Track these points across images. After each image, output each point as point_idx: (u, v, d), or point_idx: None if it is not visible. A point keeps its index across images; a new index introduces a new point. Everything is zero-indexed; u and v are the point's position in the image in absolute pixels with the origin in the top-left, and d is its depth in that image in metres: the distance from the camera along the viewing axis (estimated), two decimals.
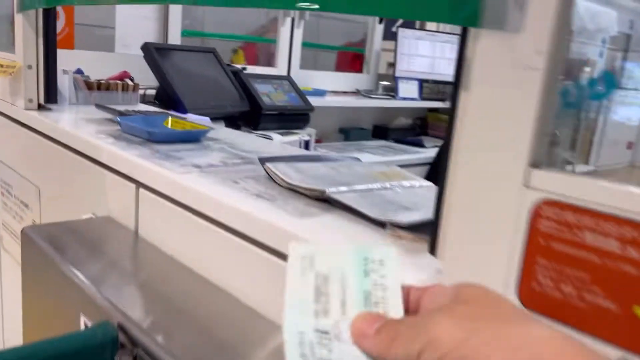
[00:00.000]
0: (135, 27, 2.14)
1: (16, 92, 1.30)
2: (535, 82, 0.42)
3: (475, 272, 0.48)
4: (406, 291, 0.36)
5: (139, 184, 0.88)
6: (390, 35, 3.27)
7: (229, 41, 3.39)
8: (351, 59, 3.62)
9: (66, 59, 1.81)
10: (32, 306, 0.89)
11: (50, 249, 0.80)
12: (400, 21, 3.32)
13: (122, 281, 0.74)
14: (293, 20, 2.63)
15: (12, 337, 1.47)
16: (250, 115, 1.98)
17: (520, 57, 0.42)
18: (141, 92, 1.79)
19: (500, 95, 0.45)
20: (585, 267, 0.39)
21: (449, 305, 0.32)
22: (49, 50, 1.25)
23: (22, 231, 0.88)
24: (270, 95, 2.05)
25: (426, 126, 3.16)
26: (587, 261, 0.39)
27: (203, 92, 1.81)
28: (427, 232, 0.54)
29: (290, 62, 2.67)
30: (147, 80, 1.82)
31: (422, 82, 2.99)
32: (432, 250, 0.52)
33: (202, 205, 0.74)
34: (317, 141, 2.53)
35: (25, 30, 1.23)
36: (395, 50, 2.92)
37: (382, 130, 2.95)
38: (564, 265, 0.41)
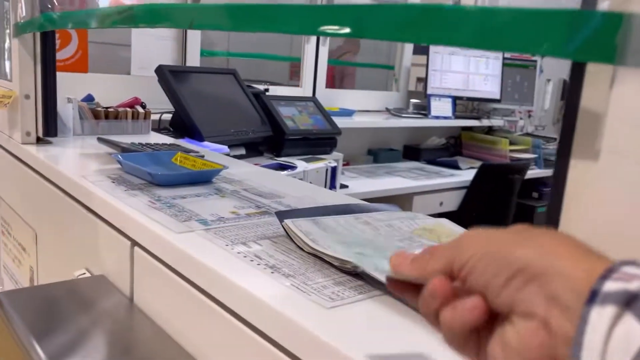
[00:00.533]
0: (152, 47, 2.03)
1: (13, 124, 1.18)
2: None
3: None
4: None
5: (133, 242, 0.73)
6: (418, 49, 3.11)
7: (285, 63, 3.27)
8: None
9: (78, 84, 1.70)
10: None
11: (20, 327, 0.66)
12: None
13: None
14: (318, 37, 2.49)
15: None
16: (272, 140, 1.84)
17: None
18: (156, 117, 1.66)
19: None
20: None
21: None
22: (47, 78, 1.13)
23: None
24: (295, 119, 1.90)
25: (460, 145, 2.97)
26: None
27: (222, 118, 1.68)
28: None
29: (315, 81, 2.53)
30: (165, 104, 1.69)
31: (455, 100, 2.81)
32: None
33: (201, 280, 0.59)
34: (345, 164, 2.38)
35: (22, 57, 1.12)
36: (426, 66, 2.75)
37: (414, 151, 2.78)
38: None
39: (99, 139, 1.14)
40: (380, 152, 2.68)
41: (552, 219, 0.35)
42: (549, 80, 3.47)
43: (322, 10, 0.46)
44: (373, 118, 2.61)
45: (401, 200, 2.19)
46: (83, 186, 0.87)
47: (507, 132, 2.99)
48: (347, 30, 0.40)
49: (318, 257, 0.61)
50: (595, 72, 0.29)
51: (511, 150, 2.76)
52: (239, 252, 0.62)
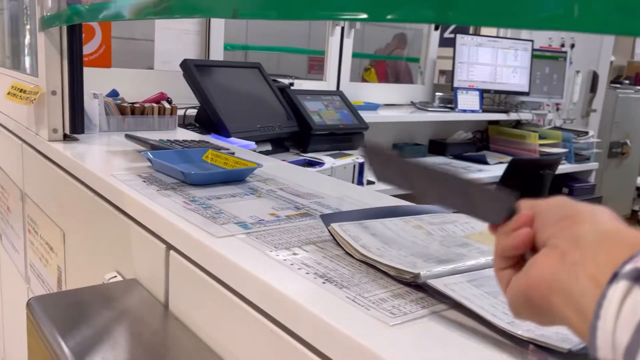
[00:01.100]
0: (175, 41, 2.00)
1: (40, 121, 1.15)
2: None
3: None
4: None
5: (169, 246, 0.70)
6: (444, 42, 3.03)
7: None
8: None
9: (101, 79, 1.67)
10: None
11: (50, 332, 0.63)
12: (453, 26, 3.08)
13: None
14: (343, 29, 2.43)
15: None
16: (299, 136, 1.79)
17: None
18: (181, 112, 1.63)
19: None
20: None
21: None
22: (74, 73, 1.10)
23: (27, 303, 0.71)
24: (321, 114, 1.86)
25: (487, 140, 2.90)
26: None
27: (247, 113, 1.64)
28: None
29: (339, 74, 2.47)
30: (189, 99, 1.66)
31: (482, 93, 2.74)
32: None
33: (246, 289, 0.55)
34: None
35: (48, 52, 1.08)
36: (453, 59, 2.68)
37: (440, 146, 2.71)
38: None
39: (127, 136, 1.10)
40: (406, 147, 2.62)
41: None
42: (578, 72, 3.37)
43: None
44: (398, 112, 2.55)
45: None
46: (113, 185, 0.84)
47: (535, 126, 2.90)
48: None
49: (370, 265, 0.56)
50: None
51: (540, 145, 2.68)
52: (284, 259, 0.57)
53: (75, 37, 1.07)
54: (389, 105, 2.68)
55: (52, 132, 1.12)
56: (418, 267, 0.52)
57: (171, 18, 0.67)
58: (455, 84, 2.68)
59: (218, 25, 2.05)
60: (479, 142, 2.87)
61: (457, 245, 0.60)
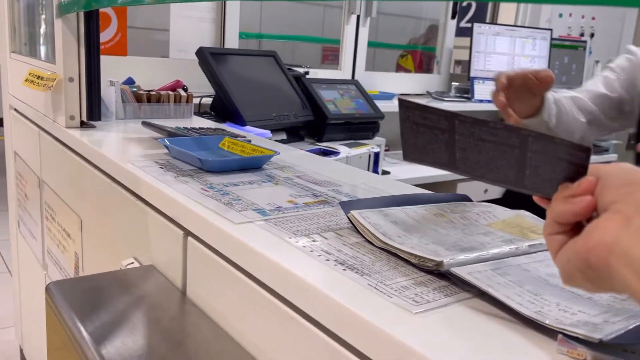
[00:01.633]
0: (190, 30, 1.99)
1: (57, 108, 1.15)
2: None
3: None
4: None
5: (187, 232, 0.69)
6: (460, 31, 2.99)
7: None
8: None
9: (117, 67, 1.68)
10: None
11: (71, 318, 0.63)
12: (469, 15, 3.03)
13: None
14: (358, 17, 2.41)
15: None
16: (314, 125, 1.78)
17: None
18: (196, 100, 1.63)
19: None
20: None
21: None
22: (91, 60, 1.10)
23: (46, 288, 0.71)
24: (336, 103, 1.84)
25: None
26: None
27: (263, 102, 1.63)
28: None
29: (355, 63, 2.45)
30: (204, 87, 1.65)
31: None
32: None
33: (266, 276, 0.54)
34: (386, 149, 2.30)
35: (66, 38, 1.08)
36: (470, 48, 2.64)
37: None
38: None
39: (144, 123, 1.10)
40: None
41: None
42: (597, 61, 3.30)
43: None
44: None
45: (444, 187, 2.12)
46: (130, 172, 0.83)
47: None
48: None
49: (390, 253, 0.55)
50: None
51: None
52: (304, 246, 0.57)
53: (92, 23, 1.07)
54: (404, 94, 2.65)
55: (69, 119, 1.12)
56: (440, 255, 0.51)
57: (189, 2, 0.66)
58: (472, 74, 2.64)
59: (233, 13, 2.04)
60: None
61: (480, 234, 0.59)
